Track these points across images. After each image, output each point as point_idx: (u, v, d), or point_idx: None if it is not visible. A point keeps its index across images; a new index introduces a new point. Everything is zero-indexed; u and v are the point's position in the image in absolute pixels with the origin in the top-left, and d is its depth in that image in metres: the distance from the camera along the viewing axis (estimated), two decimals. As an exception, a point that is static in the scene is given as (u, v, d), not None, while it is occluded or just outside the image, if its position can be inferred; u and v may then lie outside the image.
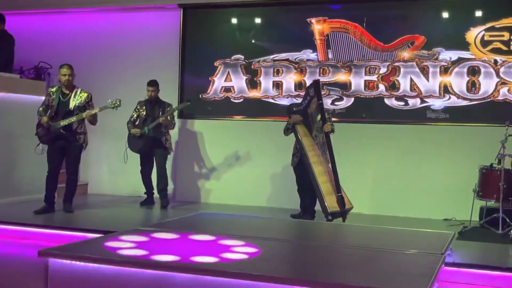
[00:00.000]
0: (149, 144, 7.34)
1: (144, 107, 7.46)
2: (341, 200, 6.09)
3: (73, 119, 6.54)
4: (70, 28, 8.94)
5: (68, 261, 3.35)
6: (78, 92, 6.67)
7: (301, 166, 6.49)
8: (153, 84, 7.47)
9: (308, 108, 6.56)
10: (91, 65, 8.58)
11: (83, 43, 8.81)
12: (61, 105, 6.61)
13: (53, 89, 6.74)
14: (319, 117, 6.39)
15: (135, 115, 7.48)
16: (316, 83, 6.45)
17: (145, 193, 7.60)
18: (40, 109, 6.70)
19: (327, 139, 6.29)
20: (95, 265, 3.29)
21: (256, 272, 3.09)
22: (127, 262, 3.28)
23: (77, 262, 3.33)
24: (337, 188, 6.14)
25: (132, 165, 7.60)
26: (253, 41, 8.19)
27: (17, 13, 8.85)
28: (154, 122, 7.30)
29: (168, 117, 7.31)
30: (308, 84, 7.42)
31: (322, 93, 7.67)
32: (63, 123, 6.53)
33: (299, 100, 7.04)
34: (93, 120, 6.68)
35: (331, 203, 6.06)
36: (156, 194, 7.55)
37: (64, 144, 6.63)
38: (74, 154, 6.71)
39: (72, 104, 6.60)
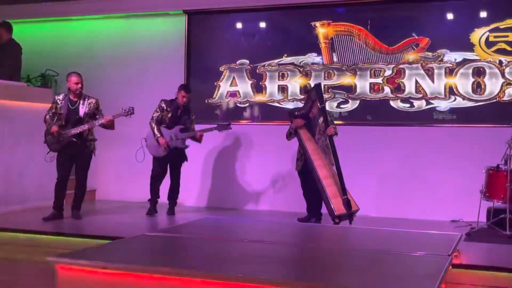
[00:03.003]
0: (173, 153, 7.12)
1: (170, 111, 7.12)
2: (347, 203, 6.11)
3: (85, 127, 6.55)
4: (76, 35, 9.00)
5: (77, 267, 3.38)
6: (87, 100, 6.69)
7: (305, 170, 6.51)
8: (190, 90, 7.20)
9: (310, 112, 6.59)
10: (97, 72, 8.63)
11: (89, 50, 8.87)
12: (70, 113, 6.60)
13: (60, 97, 6.72)
14: (321, 120, 6.41)
15: (159, 116, 7.09)
16: (317, 86, 6.46)
17: (149, 200, 7.32)
18: (47, 117, 6.66)
19: (331, 142, 6.30)
20: (104, 271, 3.32)
21: (263, 276, 3.10)
22: (135, 268, 3.30)
23: (86, 268, 3.36)
24: (343, 190, 6.15)
25: (140, 171, 7.63)
26: (257, 47, 8.23)
27: (24, 21, 8.92)
28: (190, 133, 7.10)
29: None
30: (313, 87, 7.45)
31: (328, 96, 7.72)
32: (74, 131, 6.53)
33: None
34: (111, 125, 6.66)
35: (337, 205, 6.07)
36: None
37: (74, 152, 6.63)
38: (84, 161, 6.74)
39: (82, 111, 6.62)
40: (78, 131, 6.54)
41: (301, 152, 6.61)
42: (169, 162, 7.24)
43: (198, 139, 7.18)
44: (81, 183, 6.83)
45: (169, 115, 7.14)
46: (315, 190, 6.37)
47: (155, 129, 7.07)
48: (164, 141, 7.02)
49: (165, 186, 7.45)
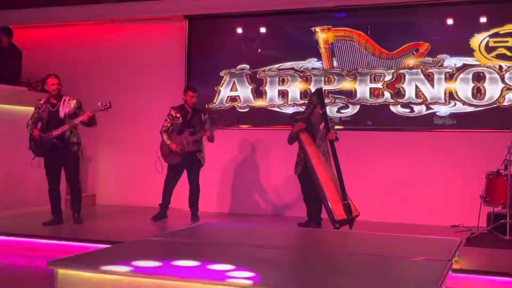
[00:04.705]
0: (186, 158, 7.00)
1: (179, 115, 7.05)
2: (347, 208, 6.11)
3: (65, 127, 6.46)
4: (76, 40, 9.02)
5: (78, 272, 3.38)
6: (67, 100, 6.61)
7: (305, 174, 6.51)
8: (196, 89, 7.13)
9: (311, 117, 6.59)
10: (98, 77, 8.65)
11: (90, 55, 8.89)
12: (51, 115, 6.52)
13: (41, 101, 6.65)
14: (322, 125, 6.41)
15: (169, 124, 7.03)
16: (318, 91, 6.48)
17: (159, 204, 7.21)
18: (30, 122, 6.61)
19: (332, 147, 6.31)
20: (105, 275, 3.31)
21: (263, 282, 3.10)
22: (136, 273, 3.30)
23: (87, 273, 3.36)
24: (343, 195, 6.15)
25: (140, 175, 7.63)
26: (259, 51, 8.25)
27: (24, 26, 8.94)
28: (197, 135, 6.96)
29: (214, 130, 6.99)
30: (313, 92, 7.45)
31: (328, 101, 7.73)
32: (56, 132, 6.45)
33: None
34: (90, 122, 6.54)
35: (337, 210, 6.07)
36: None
37: (59, 156, 6.55)
38: (72, 164, 6.66)
39: (62, 112, 6.54)
40: (59, 132, 6.45)
41: (300, 156, 6.61)
42: (184, 169, 7.14)
43: (207, 138, 7.03)
44: (73, 187, 6.77)
45: (179, 121, 7.06)
46: (315, 195, 6.37)
47: (165, 138, 7.01)
48: (175, 146, 6.94)
49: (185, 194, 7.37)
